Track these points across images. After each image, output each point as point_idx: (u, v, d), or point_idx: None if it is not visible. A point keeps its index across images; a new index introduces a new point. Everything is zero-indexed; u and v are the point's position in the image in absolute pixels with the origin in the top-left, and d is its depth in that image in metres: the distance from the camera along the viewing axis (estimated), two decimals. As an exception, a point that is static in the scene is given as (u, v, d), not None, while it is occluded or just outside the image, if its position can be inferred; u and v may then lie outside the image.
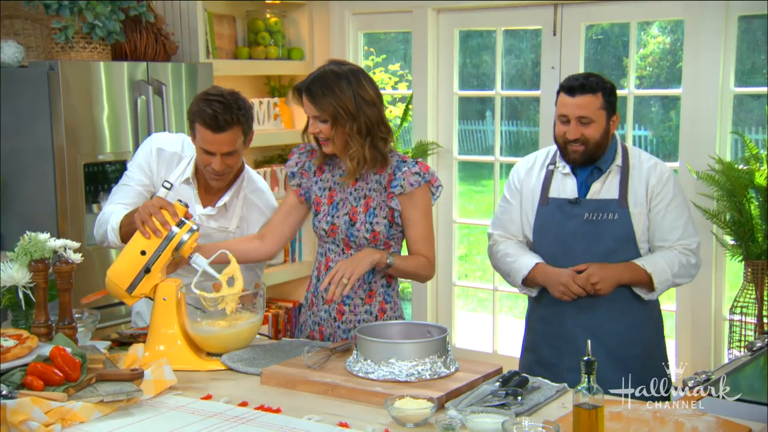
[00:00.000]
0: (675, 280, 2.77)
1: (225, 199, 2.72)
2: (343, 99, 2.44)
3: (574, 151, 2.75)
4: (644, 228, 2.77)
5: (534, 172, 2.89)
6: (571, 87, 2.73)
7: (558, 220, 2.81)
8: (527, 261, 2.83)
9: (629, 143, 4.33)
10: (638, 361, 2.77)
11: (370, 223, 2.53)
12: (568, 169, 2.81)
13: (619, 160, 2.80)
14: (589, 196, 2.79)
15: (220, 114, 2.53)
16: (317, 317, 2.64)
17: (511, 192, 2.92)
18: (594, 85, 2.73)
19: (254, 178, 2.82)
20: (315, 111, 2.47)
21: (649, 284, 2.74)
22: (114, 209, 2.66)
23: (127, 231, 2.53)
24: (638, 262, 2.74)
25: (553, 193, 2.82)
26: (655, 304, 2.88)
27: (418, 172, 2.51)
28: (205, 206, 2.72)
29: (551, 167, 2.85)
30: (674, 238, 2.77)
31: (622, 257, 2.76)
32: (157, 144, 2.77)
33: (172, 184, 2.55)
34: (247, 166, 2.82)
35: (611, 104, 2.76)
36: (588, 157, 2.76)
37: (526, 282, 2.85)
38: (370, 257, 2.46)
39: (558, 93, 2.78)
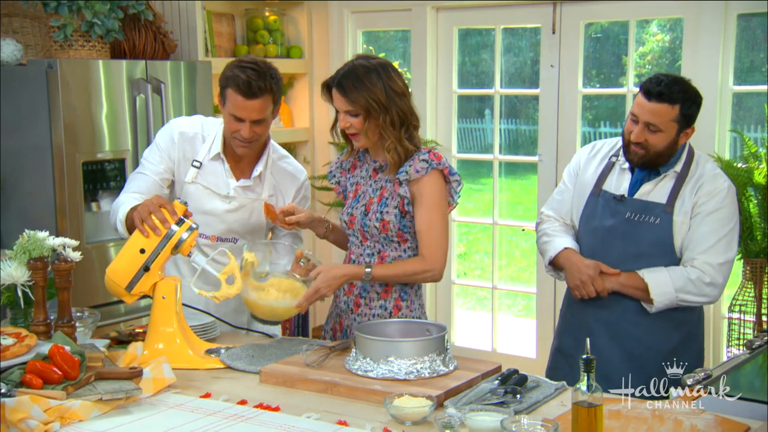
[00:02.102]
0: (680, 296, 2.65)
1: (260, 168, 2.73)
2: (375, 92, 2.45)
3: (635, 153, 2.68)
4: (685, 237, 2.68)
5: (595, 161, 2.83)
6: (650, 91, 2.61)
7: (602, 214, 2.77)
8: (559, 243, 2.79)
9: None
10: (655, 365, 2.59)
11: (381, 212, 2.52)
12: (627, 165, 2.75)
13: (678, 167, 2.70)
14: (636, 196, 2.72)
15: (254, 81, 2.54)
16: (338, 309, 2.66)
17: (570, 176, 2.89)
18: (674, 95, 2.60)
19: (277, 146, 2.85)
20: (347, 105, 2.47)
21: (647, 295, 2.66)
22: (126, 199, 2.64)
23: (132, 224, 2.51)
24: (641, 271, 2.67)
25: (607, 185, 2.77)
26: (691, 313, 2.77)
27: (425, 159, 2.48)
28: (238, 179, 2.73)
29: (613, 159, 2.78)
30: (700, 250, 2.65)
31: (656, 263, 2.68)
32: (178, 128, 2.75)
33: (201, 163, 2.63)
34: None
35: (687, 117, 2.64)
36: (647, 162, 2.68)
37: (554, 264, 2.82)
38: (344, 272, 2.48)
39: (639, 90, 2.67)
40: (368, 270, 2.48)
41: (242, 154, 2.69)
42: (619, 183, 2.76)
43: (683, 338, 2.76)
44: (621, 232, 2.72)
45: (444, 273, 2.61)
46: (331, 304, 2.75)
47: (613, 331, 2.73)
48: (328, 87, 2.52)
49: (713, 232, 2.65)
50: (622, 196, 2.73)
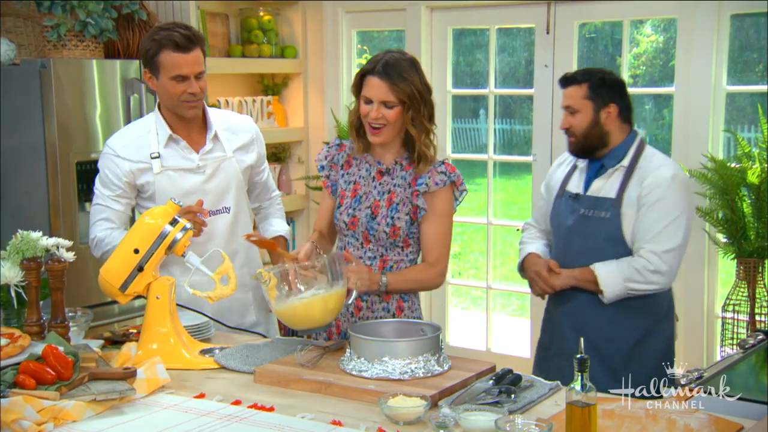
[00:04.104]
0: (628, 285, 2.75)
1: (213, 129, 2.76)
2: (416, 83, 2.45)
3: (569, 143, 2.85)
4: (634, 229, 2.78)
5: (562, 167, 2.99)
6: (562, 81, 2.88)
7: (564, 213, 2.90)
8: (526, 250, 3.00)
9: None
10: (620, 358, 2.80)
11: (392, 218, 2.50)
12: (583, 165, 2.89)
13: (626, 161, 2.81)
14: (589, 193, 2.85)
15: (186, 34, 2.62)
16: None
17: (545, 184, 3.06)
18: (580, 76, 2.83)
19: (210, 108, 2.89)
20: (388, 95, 2.43)
21: (599, 287, 2.77)
22: (104, 235, 2.73)
23: None
24: (593, 265, 2.79)
25: (569, 186, 2.91)
26: (653, 305, 2.86)
27: (444, 171, 2.50)
28: (198, 151, 2.75)
29: (577, 162, 2.94)
30: (645, 239, 2.75)
31: (608, 256, 2.79)
32: (114, 145, 2.76)
33: (158, 152, 2.67)
34: None
35: (600, 95, 2.79)
36: (581, 148, 2.83)
37: (521, 268, 3.00)
38: (374, 280, 2.46)
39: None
40: (384, 280, 2.47)
41: (192, 116, 2.72)
42: (578, 183, 2.89)
43: (647, 331, 2.85)
44: (579, 229, 2.86)
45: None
46: None
47: (577, 324, 2.84)
48: (367, 74, 2.46)
49: (657, 222, 2.75)
50: (578, 194, 2.87)
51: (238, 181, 2.80)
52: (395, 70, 2.43)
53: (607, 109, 2.79)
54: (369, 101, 2.46)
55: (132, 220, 2.80)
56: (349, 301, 2.40)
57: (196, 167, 2.74)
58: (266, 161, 2.98)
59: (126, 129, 2.87)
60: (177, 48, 2.61)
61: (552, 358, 2.93)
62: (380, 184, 2.54)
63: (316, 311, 2.33)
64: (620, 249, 2.79)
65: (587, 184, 2.86)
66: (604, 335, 2.81)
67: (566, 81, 2.85)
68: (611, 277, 2.75)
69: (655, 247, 2.74)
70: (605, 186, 2.82)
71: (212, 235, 2.72)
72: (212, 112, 2.82)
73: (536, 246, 3.01)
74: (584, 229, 2.83)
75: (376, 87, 2.44)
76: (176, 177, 2.72)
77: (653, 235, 2.74)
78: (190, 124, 2.76)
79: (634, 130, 2.87)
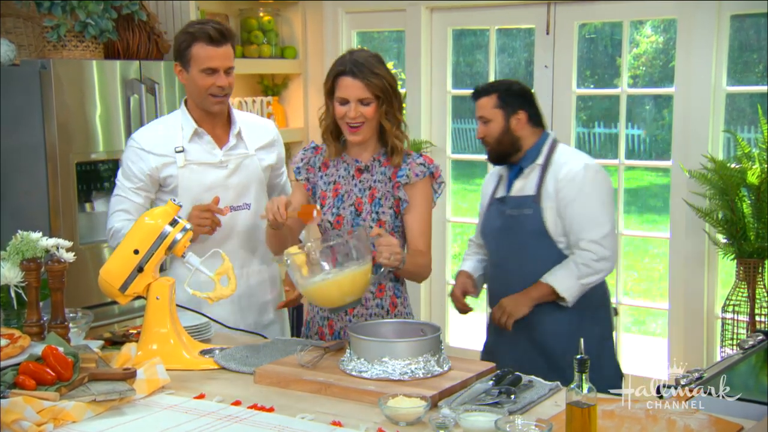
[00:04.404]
0: (582, 281, 2.87)
1: (236, 126, 2.82)
2: (387, 77, 2.49)
3: (487, 152, 3.03)
4: (556, 222, 2.91)
5: (493, 176, 3.14)
6: (473, 94, 3.04)
7: (493, 217, 3.05)
8: (462, 266, 3.18)
9: (621, 142, 4.35)
10: (558, 348, 2.90)
11: (376, 213, 2.54)
12: (505, 171, 3.04)
13: (541, 159, 2.96)
14: (512, 194, 3.00)
15: (219, 29, 2.68)
16: (326, 312, 2.62)
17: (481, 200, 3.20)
18: (489, 87, 3.03)
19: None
20: (364, 92, 2.46)
21: (558, 296, 2.89)
22: (122, 225, 2.75)
23: None
24: (543, 278, 2.89)
25: (496, 194, 3.06)
26: (588, 302, 2.93)
27: (423, 163, 2.55)
28: (222, 146, 2.79)
29: (501, 172, 3.10)
30: (580, 232, 2.87)
31: (537, 252, 2.93)
32: (139, 139, 2.80)
33: (182, 147, 2.73)
34: None
35: (509, 103, 2.96)
36: (496, 155, 2.98)
37: None
38: (401, 256, 2.41)
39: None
40: (404, 257, 2.43)
41: (218, 111, 2.77)
42: (503, 188, 3.04)
43: (579, 321, 2.93)
44: (506, 229, 2.99)
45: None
46: (310, 311, 2.70)
47: (518, 321, 2.94)
48: (339, 75, 2.48)
49: (584, 212, 2.87)
50: (502, 197, 3.01)
51: (259, 179, 2.85)
52: (366, 67, 2.47)
53: (517, 116, 2.96)
54: (345, 102, 2.48)
55: None
56: (378, 274, 2.38)
57: (219, 162, 2.78)
58: (285, 165, 3.03)
59: (152, 123, 2.93)
60: (209, 41, 2.67)
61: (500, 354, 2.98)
62: (360, 181, 2.57)
63: (345, 287, 2.30)
64: (546, 242, 2.92)
65: (509, 187, 3.01)
66: (544, 328, 2.94)
67: (477, 93, 3.02)
68: (566, 282, 2.86)
69: (592, 236, 2.86)
70: (525, 185, 2.97)
71: (233, 230, 2.78)
72: (236, 112, 2.88)
73: (469, 263, 3.16)
74: (511, 229, 2.96)
75: (350, 86, 2.47)
76: (199, 171, 2.76)
77: (585, 225, 2.86)
78: (215, 120, 2.80)
79: (546, 132, 3.03)
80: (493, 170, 3.15)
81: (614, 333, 3.13)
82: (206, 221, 2.65)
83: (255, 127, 2.89)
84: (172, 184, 2.76)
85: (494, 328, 3.05)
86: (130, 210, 2.77)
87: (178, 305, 2.48)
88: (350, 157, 2.59)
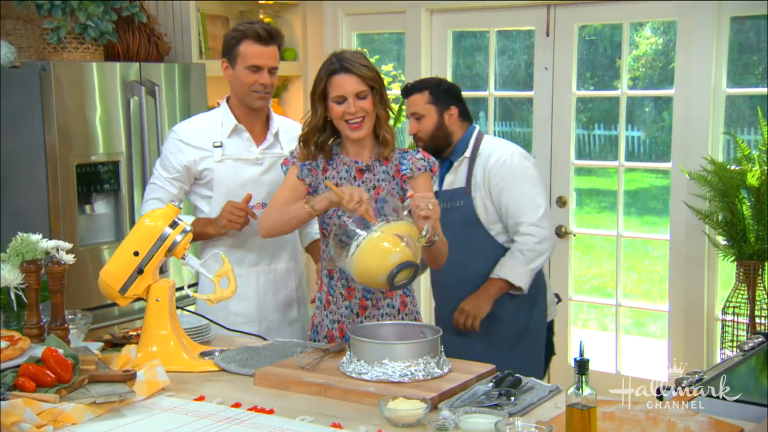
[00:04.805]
0: (531, 266, 2.97)
1: (274, 127, 2.91)
2: (375, 69, 2.51)
3: (420, 147, 3.00)
4: (487, 210, 3.01)
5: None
6: (403, 92, 3.13)
7: None
8: None
9: (621, 144, 4.35)
10: (496, 334, 3.02)
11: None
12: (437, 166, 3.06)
13: (468, 152, 3.06)
14: (444, 188, 3.09)
15: (268, 29, 2.78)
16: (336, 315, 2.59)
17: None
18: (420, 84, 3.10)
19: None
20: (360, 84, 2.46)
21: (513, 287, 2.99)
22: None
23: (197, 232, 2.71)
24: (493, 273, 2.98)
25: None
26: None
27: (422, 158, 2.57)
28: (259, 144, 2.88)
29: None
30: (517, 217, 2.97)
31: (472, 241, 3.02)
32: (180, 131, 2.88)
33: (221, 142, 2.82)
34: None
35: (441, 99, 3.05)
36: (430, 150, 2.94)
37: None
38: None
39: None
40: (437, 236, 2.40)
41: (260, 106, 2.85)
42: (436, 183, 3.03)
43: (518, 305, 3.04)
44: (441, 223, 2.92)
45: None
46: (318, 315, 2.67)
47: (446, 306, 3.07)
48: (332, 73, 2.47)
49: (518, 198, 2.97)
50: (435, 192, 2.97)
51: None
52: (356, 61, 2.49)
53: (449, 111, 3.06)
54: (342, 99, 2.47)
55: (184, 206, 2.93)
56: (424, 233, 2.27)
57: (255, 159, 2.86)
58: None
59: (193, 117, 3.02)
60: (258, 39, 2.76)
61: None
62: (363, 182, 2.55)
63: (388, 243, 2.22)
64: (479, 231, 3.03)
65: (441, 181, 3.10)
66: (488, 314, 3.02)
67: (408, 90, 3.10)
68: (518, 271, 2.95)
69: (530, 219, 2.96)
70: (456, 178, 3.08)
71: None
72: (274, 115, 2.96)
73: None
74: (446, 222, 2.92)
75: (345, 82, 2.47)
76: (235, 166, 2.84)
77: (522, 209, 2.96)
78: (254, 119, 2.88)
79: (473, 125, 3.11)
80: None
81: (552, 318, 3.24)
82: (240, 219, 2.75)
83: (291, 130, 2.96)
84: (207, 177, 2.84)
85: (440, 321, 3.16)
86: (164, 199, 2.83)
87: (178, 307, 2.48)
88: (349, 158, 2.57)
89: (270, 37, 2.78)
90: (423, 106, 3.06)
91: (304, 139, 2.56)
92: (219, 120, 2.87)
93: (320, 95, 2.52)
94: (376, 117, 2.52)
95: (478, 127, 3.12)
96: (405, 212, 2.30)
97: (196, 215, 2.92)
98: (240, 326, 2.81)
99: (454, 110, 3.07)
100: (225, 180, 2.83)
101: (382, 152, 2.55)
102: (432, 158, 2.60)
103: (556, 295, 3.30)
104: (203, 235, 2.83)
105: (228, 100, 2.90)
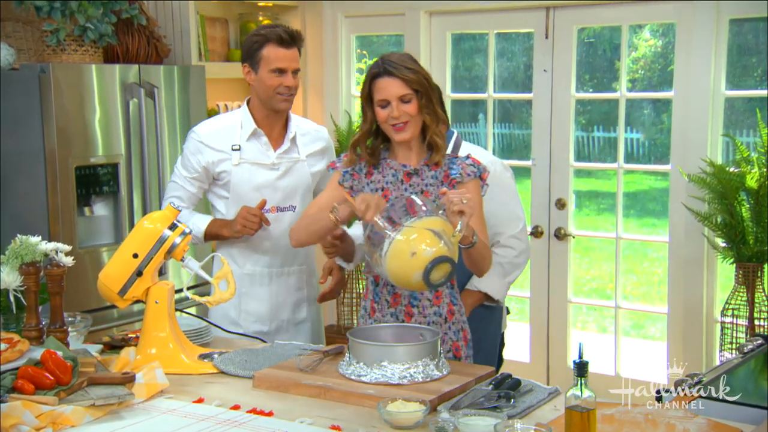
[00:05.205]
0: (508, 279, 2.90)
1: (292, 131, 2.93)
2: (421, 71, 2.46)
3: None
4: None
5: None
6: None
7: None
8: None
9: (620, 146, 4.35)
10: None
11: None
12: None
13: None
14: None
15: (290, 32, 2.82)
16: (381, 323, 2.50)
17: None
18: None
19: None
20: (403, 88, 2.41)
21: (490, 299, 2.89)
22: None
23: (212, 232, 2.87)
24: (470, 285, 2.84)
25: None
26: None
27: (472, 164, 2.50)
28: (276, 149, 2.91)
29: None
30: (496, 226, 2.84)
31: None
32: (200, 132, 2.92)
33: (239, 145, 2.86)
34: None
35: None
36: None
37: None
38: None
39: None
40: (475, 238, 2.30)
41: (284, 108, 2.88)
42: None
43: (479, 317, 2.91)
44: None
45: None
46: (363, 323, 2.58)
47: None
48: (375, 76, 2.44)
49: (501, 209, 2.84)
50: None
51: (306, 184, 2.96)
52: (400, 64, 2.44)
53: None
54: (386, 103, 2.43)
55: (202, 204, 3.03)
56: (459, 229, 2.18)
57: (272, 164, 2.89)
58: None
59: (214, 118, 3.05)
60: (281, 42, 2.79)
61: None
62: (410, 185, 2.49)
63: (422, 239, 2.14)
64: None
65: None
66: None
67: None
68: (495, 284, 2.86)
69: (510, 231, 2.88)
70: None
71: (277, 230, 2.88)
72: (293, 117, 2.98)
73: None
74: None
75: (389, 85, 2.42)
76: (252, 170, 2.88)
77: (504, 221, 2.87)
78: (274, 123, 2.91)
79: (451, 130, 2.98)
80: None
81: (504, 330, 3.17)
82: (254, 225, 2.79)
83: (309, 134, 3.00)
84: (225, 179, 2.89)
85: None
86: (183, 198, 2.90)
87: (195, 315, 2.51)
88: (397, 162, 2.51)
89: (292, 39, 2.81)
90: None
91: (355, 145, 2.53)
92: (239, 122, 2.90)
93: (366, 99, 2.48)
94: (424, 127, 2.46)
95: (456, 132, 3.02)
96: (440, 211, 2.23)
97: (214, 214, 2.96)
98: (250, 324, 2.88)
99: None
100: (241, 183, 2.86)
101: (433, 157, 2.48)
102: (483, 164, 2.53)
103: (507, 309, 3.20)
104: (218, 236, 2.87)
105: (248, 102, 2.92)
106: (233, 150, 2.86)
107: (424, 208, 2.23)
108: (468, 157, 2.52)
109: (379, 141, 2.52)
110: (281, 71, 2.80)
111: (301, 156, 2.94)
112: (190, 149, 2.91)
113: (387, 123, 2.44)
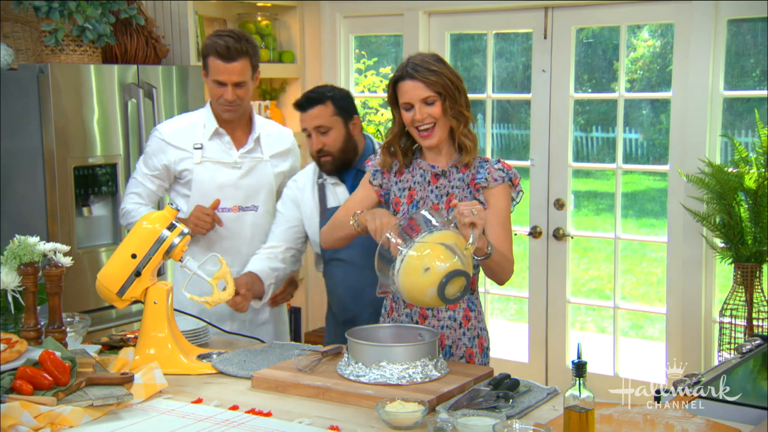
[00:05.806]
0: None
1: (257, 131, 2.95)
2: (447, 73, 2.41)
3: (324, 162, 2.85)
4: None
5: (307, 190, 2.92)
6: (301, 104, 2.85)
7: None
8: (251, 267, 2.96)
9: (619, 147, 4.36)
10: None
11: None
12: (336, 179, 2.89)
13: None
14: None
15: (231, 45, 2.78)
16: (397, 323, 2.51)
17: (287, 206, 2.93)
18: (320, 95, 2.84)
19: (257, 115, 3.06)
20: (426, 90, 2.39)
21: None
22: (135, 207, 2.93)
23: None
24: None
25: (330, 203, 2.87)
26: None
27: (501, 168, 2.46)
28: (239, 148, 2.93)
29: (320, 181, 2.91)
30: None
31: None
32: (163, 130, 2.94)
33: (201, 144, 2.88)
34: None
35: (345, 109, 2.85)
36: (338, 164, 2.84)
37: None
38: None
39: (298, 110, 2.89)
40: (490, 249, 2.25)
41: (228, 118, 2.89)
42: (341, 196, 2.86)
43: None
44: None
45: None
46: (382, 320, 2.59)
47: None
48: (398, 80, 2.42)
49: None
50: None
51: (269, 184, 2.97)
52: (423, 66, 2.40)
53: (353, 121, 2.88)
54: (410, 107, 2.41)
55: (161, 202, 3.04)
56: (471, 242, 2.12)
57: (234, 163, 2.91)
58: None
59: (178, 117, 3.09)
60: (218, 56, 2.80)
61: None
62: (437, 187, 2.48)
63: (435, 254, 2.09)
64: None
65: (352, 192, 2.75)
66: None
67: (309, 102, 2.84)
68: None
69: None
70: None
71: (239, 229, 2.91)
72: (258, 118, 3.00)
73: (260, 265, 2.83)
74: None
75: (411, 88, 2.40)
76: (214, 169, 2.90)
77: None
78: (236, 123, 2.93)
79: (366, 134, 2.98)
80: (305, 180, 2.94)
81: None
82: (206, 224, 2.82)
83: (274, 135, 3.02)
84: (186, 178, 2.91)
85: (333, 322, 2.98)
86: (142, 195, 2.95)
87: (175, 309, 2.48)
88: (426, 162, 2.50)
89: (230, 54, 2.77)
90: (329, 118, 2.82)
91: (386, 147, 2.52)
92: (202, 121, 2.93)
93: (392, 102, 2.47)
94: (453, 132, 2.43)
95: (370, 134, 3.03)
96: (452, 224, 2.17)
97: None
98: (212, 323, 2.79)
99: (357, 119, 2.89)
100: (203, 182, 2.88)
101: (462, 159, 2.45)
102: (513, 170, 2.48)
103: None
104: None
105: (211, 102, 2.95)
106: (195, 148, 2.89)
107: (435, 222, 2.17)
108: (498, 161, 2.49)
109: (411, 141, 2.51)
110: (221, 83, 2.82)
111: (264, 156, 2.96)
112: (152, 147, 2.94)
113: (413, 126, 2.43)
